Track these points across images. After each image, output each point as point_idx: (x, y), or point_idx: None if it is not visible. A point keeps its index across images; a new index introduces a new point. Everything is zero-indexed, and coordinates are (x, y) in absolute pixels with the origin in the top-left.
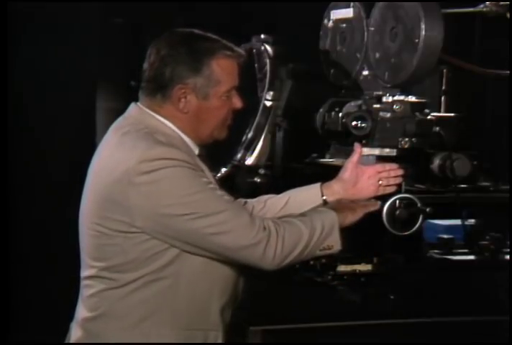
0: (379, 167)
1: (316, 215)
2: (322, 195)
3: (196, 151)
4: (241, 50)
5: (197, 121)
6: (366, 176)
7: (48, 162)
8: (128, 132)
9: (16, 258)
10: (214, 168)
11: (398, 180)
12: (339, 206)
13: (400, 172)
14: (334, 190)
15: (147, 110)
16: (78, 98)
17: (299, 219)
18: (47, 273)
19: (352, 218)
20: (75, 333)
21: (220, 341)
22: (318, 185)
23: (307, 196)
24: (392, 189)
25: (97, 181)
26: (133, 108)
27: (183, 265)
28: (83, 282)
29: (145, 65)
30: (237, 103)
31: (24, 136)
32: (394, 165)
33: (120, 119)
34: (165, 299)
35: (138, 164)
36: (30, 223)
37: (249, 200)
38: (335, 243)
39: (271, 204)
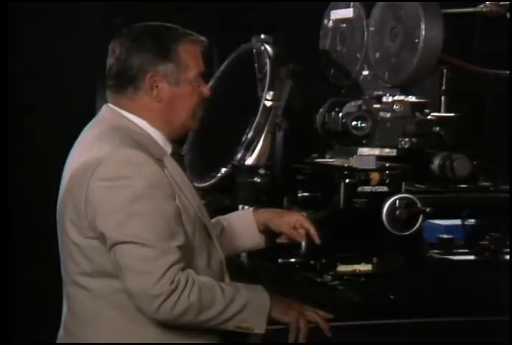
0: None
1: (245, 291)
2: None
3: (169, 150)
4: (202, 37)
5: (170, 110)
6: (293, 218)
7: (48, 162)
8: (100, 133)
9: (15, 258)
10: (214, 168)
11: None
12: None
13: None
14: (264, 212)
15: (117, 108)
16: (77, 98)
17: (222, 288)
18: (47, 273)
19: (286, 318)
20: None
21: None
22: (250, 210)
23: (242, 222)
24: (299, 238)
25: (64, 186)
26: (104, 109)
27: None
28: (66, 288)
29: (110, 61)
30: (205, 91)
31: (23, 136)
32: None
33: (93, 120)
34: None
35: (98, 167)
36: (30, 223)
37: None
38: (256, 326)
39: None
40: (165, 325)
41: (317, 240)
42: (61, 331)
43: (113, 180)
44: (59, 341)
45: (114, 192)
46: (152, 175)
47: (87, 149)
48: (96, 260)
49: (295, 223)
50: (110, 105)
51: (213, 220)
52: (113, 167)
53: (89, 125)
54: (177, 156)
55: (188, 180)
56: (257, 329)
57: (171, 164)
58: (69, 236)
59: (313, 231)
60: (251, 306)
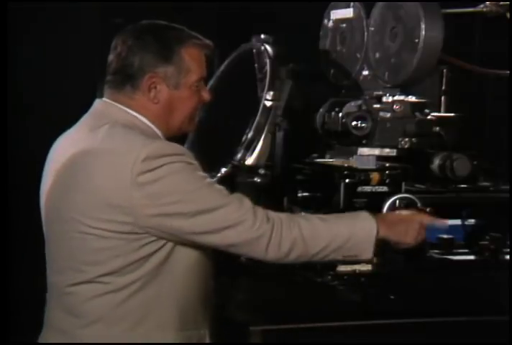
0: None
1: (348, 218)
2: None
3: None
4: (208, 40)
5: (167, 112)
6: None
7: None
8: (111, 128)
9: (16, 258)
10: (214, 168)
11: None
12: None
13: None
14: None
15: (115, 103)
16: (78, 98)
17: (324, 220)
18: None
19: (407, 239)
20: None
21: (207, 339)
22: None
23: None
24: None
25: (84, 183)
26: (98, 103)
27: (177, 262)
28: (68, 289)
29: (111, 58)
30: (206, 95)
31: (23, 137)
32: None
33: (88, 116)
34: (161, 299)
35: (140, 163)
36: (30, 222)
37: None
38: (363, 253)
39: None
40: (179, 316)
41: None
42: (49, 332)
43: (156, 169)
44: (49, 341)
45: (170, 181)
46: (185, 158)
47: (107, 146)
48: (122, 255)
49: None
50: (105, 99)
51: None
52: (154, 160)
53: (85, 120)
54: None
55: None
56: (365, 256)
57: None
58: (81, 230)
59: None
60: (357, 233)
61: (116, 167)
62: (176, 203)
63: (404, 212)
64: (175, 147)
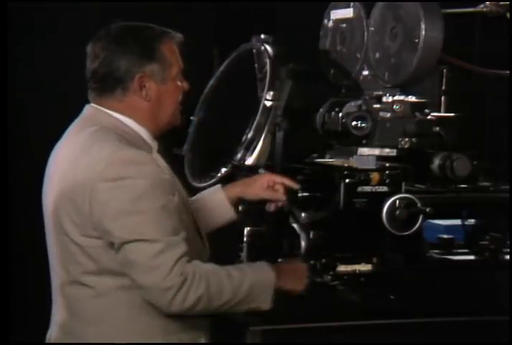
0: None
1: (250, 273)
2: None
3: (155, 147)
4: (178, 34)
5: (158, 108)
6: (260, 181)
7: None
8: (92, 133)
9: (16, 258)
10: (214, 168)
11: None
12: (284, 269)
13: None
14: (233, 187)
15: (102, 108)
16: (78, 99)
17: (228, 274)
18: (47, 273)
19: (294, 285)
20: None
21: (203, 340)
22: (218, 186)
23: (211, 200)
24: (279, 196)
25: (61, 186)
26: (89, 108)
27: None
28: (61, 289)
29: (94, 65)
30: (185, 85)
31: (23, 137)
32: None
33: (77, 121)
34: (147, 305)
35: (103, 168)
36: (30, 222)
37: None
38: (263, 304)
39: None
40: (167, 323)
41: (295, 186)
42: (55, 332)
43: (118, 180)
44: (56, 341)
45: (119, 193)
46: (155, 173)
47: (84, 149)
48: (99, 259)
49: (268, 184)
50: (94, 105)
51: None
52: (118, 167)
53: (74, 124)
54: (162, 153)
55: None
56: (264, 306)
57: (160, 161)
58: (69, 236)
59: (288, 181)
60: (257, 287)
61: (84, 170)
62: (113, 221)
63: (291, 261)
64: (143, 157)
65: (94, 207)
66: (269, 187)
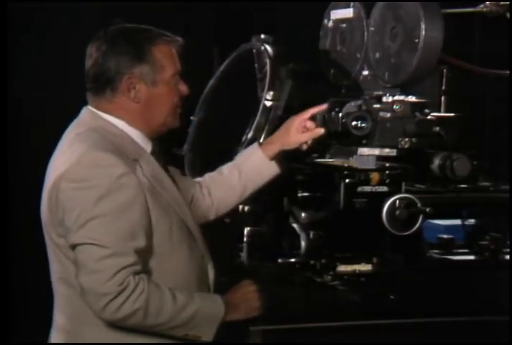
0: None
1: (198, 301)
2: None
3: (149, 148)
4: (176, 37)
5: (149, 110)
6: (294, 126)
7: (47, 163)
8: (77, 134)
9: (16, 258)
10: (214, 168)
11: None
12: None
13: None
14: (272, 144)
15: (96, 110)
16: (78, 99)
17: (173, 296)
18: (47, 273)
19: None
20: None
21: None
22: (256, 145)
23: (253, 164)
24: (317, 132)
25: (45, 186)
26: (84, 111)
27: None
28: (54, 286)
29: (88, 65)
30: (183, 89)
31: (23, 137)
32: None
33: (73, 123)
34: None
35: (69, 169)
36: (30, 223)
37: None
38: (204, 334)
39: (228, 176)
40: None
41: (323, 107)
42: (54, 332)
43: (80, 181)
44: (54, 340)
45: (80, 194)
46: (119, 177)
47: (64, 151)
48: (72, 258)
49: (298, 128)
50: (89, 107)
51: (205, 176)
52: (83, 169)
53: (69, 127)
54: (156, 155)
55: (169, 177)
56: (205, 337)
57: (148, 163)
58: (50, 235)
59: (314, 110)
60: (202, 315)
61: (57, 173)
62: (72, 218)
63: (240, 288)
64: (110, 160)
65: (58, 206)
66: (303, 127)
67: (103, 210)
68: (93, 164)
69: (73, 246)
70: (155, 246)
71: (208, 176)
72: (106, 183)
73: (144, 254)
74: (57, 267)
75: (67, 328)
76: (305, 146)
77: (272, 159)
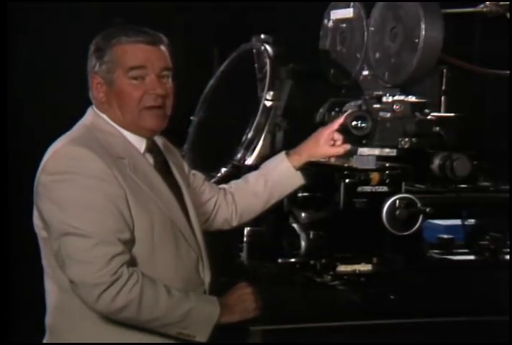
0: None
1: (194, 300)
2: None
3: (142, 147)
4: (151, 35)
5: (117, 109)
6: (324, 138)
7: None
8: (70, 131)
9: (16, 258)
10: (214, 168)
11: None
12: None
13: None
14: (300, 155)
15: (96, 109)
16: (78, 99)
17: (169, 292)
18: None
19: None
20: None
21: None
22: (283, 154)
23: (279, 173)
24: (345, 148)
25: None
26: (88, 109)
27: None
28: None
29: None
30: (150, 86)
31: (23, 137)
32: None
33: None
34: None
35: (47, 162)
36: (30, 222)
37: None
38: (198, 334)
39: (253, 184)
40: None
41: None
42: (47, 329)
43: (58, 174)
44: (44, 341)
45: (59, 186)
46: (95, 170)
47: (52, 147)
48: (55, 250)
49: (327, 140)
50: (93, 105)
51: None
52: (61, 162)
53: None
54: (154, 153)
55: (160, 177)
56: (199, 338)
57: (138, 162)
58: (38, 230)
59: (341, 119)
60: (197, 314)
61: (40, 166)
62: (52, 210)
63: (236, 290)
64: (86, 154)
65: (37, 199)
66: (332, 140)
67: (83, 202)
68: (71, 158)
69: (56, 238)
70: (136, 242)
71: (233, 183)
72: (83, 177)
73: (129, 248)
74: (44, 262)
75: (51, 325)
76: (333, 159)
77: (298, 169)
